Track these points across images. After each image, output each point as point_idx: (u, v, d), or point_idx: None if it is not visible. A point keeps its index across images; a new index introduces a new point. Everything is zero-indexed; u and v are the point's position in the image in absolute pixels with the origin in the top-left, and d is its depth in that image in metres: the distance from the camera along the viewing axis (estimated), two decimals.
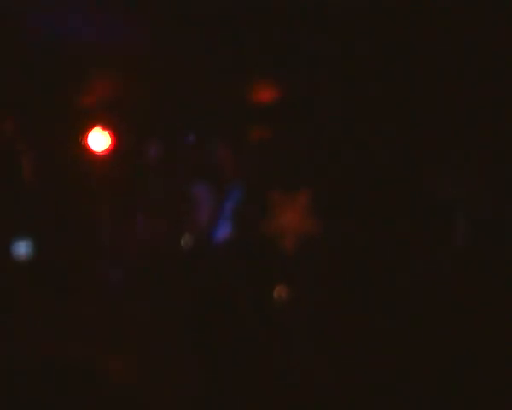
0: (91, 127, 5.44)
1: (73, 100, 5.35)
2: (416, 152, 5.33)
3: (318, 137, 5.40)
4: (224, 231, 5.54)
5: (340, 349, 4.91)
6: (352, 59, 5.07)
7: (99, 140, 5.48)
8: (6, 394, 4.39)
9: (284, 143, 5.49)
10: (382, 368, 4.78)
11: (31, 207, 5.38)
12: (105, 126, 5.46)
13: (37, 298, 5.09)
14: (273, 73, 5.32)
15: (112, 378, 4.69)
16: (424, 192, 5.32)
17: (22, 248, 5.33)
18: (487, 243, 5.14)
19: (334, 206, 5.33)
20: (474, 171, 5.25)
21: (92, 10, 4.86)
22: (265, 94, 5.53)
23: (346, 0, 4.80)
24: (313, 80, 5.26)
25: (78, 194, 5.45)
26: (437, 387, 4.69)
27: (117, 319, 5.08)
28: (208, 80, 5.29)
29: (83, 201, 5.45)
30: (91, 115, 5.42)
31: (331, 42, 5.03)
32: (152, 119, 5.50)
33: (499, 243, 5.10)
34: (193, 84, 5.31)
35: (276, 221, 5.46)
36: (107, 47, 5.05)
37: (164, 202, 5.60)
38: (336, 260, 5.26)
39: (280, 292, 5.34)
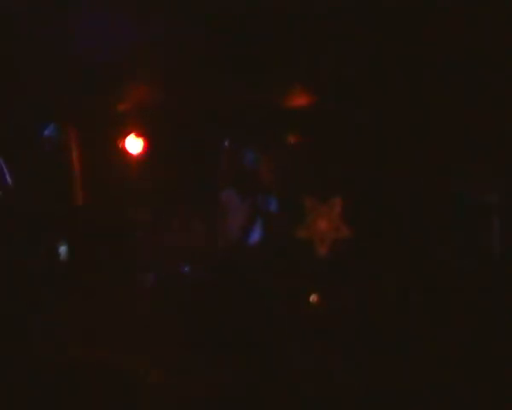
0: (129, 132, 5.50)
1: (111, 105, 5.40)
2: (452, 157, 5.27)
3: (353, 143, 5.37)
4: (257, 237, 5.55)
5: (373, 353, 4.86)
6: (386, 64, 5.04)
7: (136, 144, 5.54)
8: (35, 393, 4.43)
9: (318, 149, 5.48)
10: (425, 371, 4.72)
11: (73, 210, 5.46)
12: (142, 131, 5.52)
13: (70, 299, 5.14)
14: (307, 79, 5.31)
15: (142, 380, 4.71)
16: (460, 197, 5.26)
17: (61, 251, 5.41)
18: None
19: (367, 212, 5.29)
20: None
21: (131, 19, 4.90)
22: (300, 100, 5.52)
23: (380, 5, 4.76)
24: (348, 86, 5.23)
25: (114, 197, 5.51)
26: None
27: (149, 321, 5.10)
28: (243, 86, 5.30)
29: (119, 204, 5.51)
30: (128, 120, 5.48)
31: (367, 48, 5.00)
32: (188, 124, 5.52)
33: None
34: (228, 89, 5.32)
35: (311, 227, 5.44)
36: (145, 54, 5.08)
37: (198, 207, 5.62)
38: (370, 267, 5.22)
39: (314, 298, 5.32)
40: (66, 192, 5.48)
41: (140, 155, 5.56)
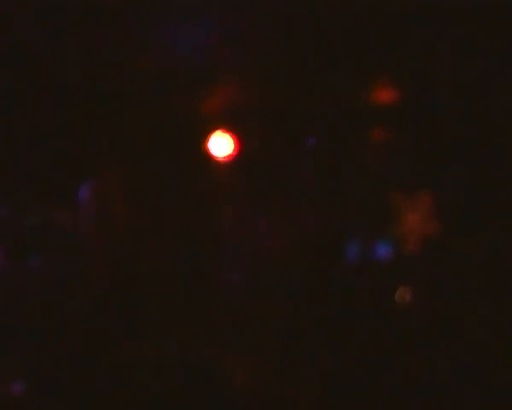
0: (213, 132, 5.54)
1: (196, 105, 5.45)
2: None
3: (440, 136, 5.26)
4: (343, 235, 5.51)
5: (463, 353, 4.75)
6: (471, 58, 4.91)
7: (221, 145, 5.57)
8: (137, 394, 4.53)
9: (406, 143, 5.39)
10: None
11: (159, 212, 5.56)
12: (227, 131, 5.55)
13: (162, 299, 5.24)
14: (394, 72, 5.24)
15: (235, 379, 4.74)
16: None
17: None
18: None
19: (456, 207, 5.17)
20: None
21: (216, 18, 4.95)
22: (386, 94, 5.45)
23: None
24: (434, 79, 5.13)
25: (201, 198, 5.56)
26: None
27: (240, 320, 5.14)
28: (328, 82, 5.27)
29: (206, 205, 5.57)
30: (213, 120, 5.52)
31: (451, 42, 4.89)
32: (274, 122, 5.53)
33: None
34: (313, 85, 5.30)
35: (398, 224, 5.36)
36: (230, 52, 5.12)
37: (287, 206, 5.62)
38: (459, 263, 5.09)
39: (402, 295, 5.24)
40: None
41: (228, 155, 5.59)
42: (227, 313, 5.23)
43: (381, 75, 5.28)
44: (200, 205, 5.54)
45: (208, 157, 5.55)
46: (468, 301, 4.97)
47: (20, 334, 5.02)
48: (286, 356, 4.95)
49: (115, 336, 4.99)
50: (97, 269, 5.36)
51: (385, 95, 5.47)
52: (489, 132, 5.14)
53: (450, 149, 5.24)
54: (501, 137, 5.12)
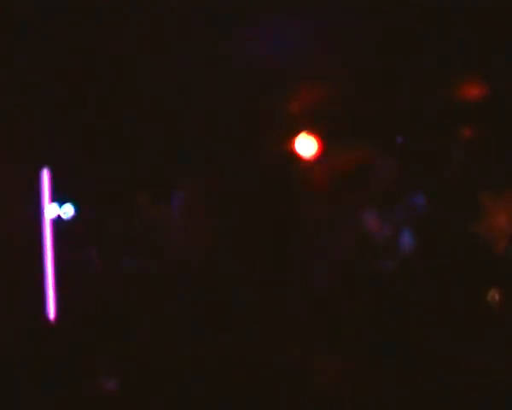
0: (299, 133, 5.56)
1: (282, 107, 5.48)
2: None
3: None
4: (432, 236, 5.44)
5: None
6: None
7: (307, 146, 5.59)
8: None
9: (494, 141, 5.27)
10: None
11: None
12: (312, 132, 5.57)
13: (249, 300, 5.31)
14: (482, 70, 5.13)
15: (319, 379, 4.74)
16: None
17: None
18: None
19: None
20: None
21: (300, 19, 4.95)
22: (474, 91, 5.35)
23: None
24: None
25: (287, 198, 5.60)
26: None
27: (324, 320, 5.15)
28: (415, 80, 5.20)
29: (292, 205, 5.60)
30: (299, 122, 5.54)
31: None
32: (359, 122, 5.50)
33: None
34: (400, 85, 5.24)
35: (488, 223, 5.25)
36: (315, 53, 5.11)
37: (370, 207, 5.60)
38: None
39: (494, 295, 5.13)
40: None
41: (314, 155, 5.60)
42: (311, 313, 5.24)
43: (470, 73, 5.16)
44: (286, 205, 5.57)
45: (294, 158, 5.58)
46: None
47: (113, 332, 5.15)
48: (368, 356, 4.92)
49: (208, 334, 5.08)
50: (186, 270, 5.46)
51: (474, 92, 5.35)
52: None
53: None
54: None
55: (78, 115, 5.43)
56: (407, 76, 5.16)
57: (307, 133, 5.58)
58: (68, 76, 5.12)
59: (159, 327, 5.19)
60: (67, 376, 4.64)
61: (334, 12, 4.77)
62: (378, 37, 4.90)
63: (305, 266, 5.53)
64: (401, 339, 4.96)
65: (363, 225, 5.57)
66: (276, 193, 5.55)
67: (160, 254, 5.56)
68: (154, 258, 5.55)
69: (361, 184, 5.57)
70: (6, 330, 4.89)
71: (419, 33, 4.83)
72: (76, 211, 5.65)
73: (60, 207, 5.62)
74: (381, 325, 5.04)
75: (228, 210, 5.58)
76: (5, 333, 4.87)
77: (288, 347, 4.86)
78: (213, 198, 5.63)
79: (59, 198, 5.61)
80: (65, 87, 5.22)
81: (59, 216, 5.60)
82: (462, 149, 5.41)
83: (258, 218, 5.52)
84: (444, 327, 4.96)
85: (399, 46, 4.94)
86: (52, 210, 5.58)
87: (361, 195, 5.57)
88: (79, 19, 4.67)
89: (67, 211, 5.64)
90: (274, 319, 5.13)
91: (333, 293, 5.36)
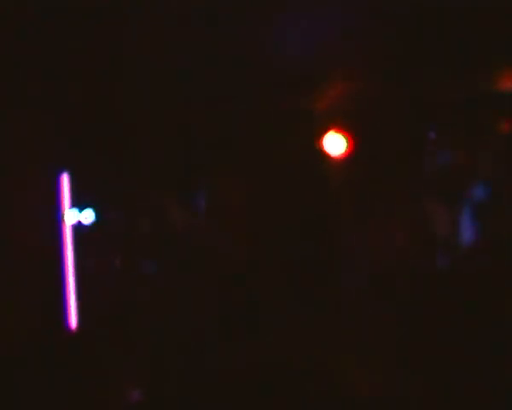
0: (328, 131, 5.43)
1: (310, 105, 5.36)
2: None
3: None
4: (473, 235, 5.23)
5: None
6: None
7: (336, 144, 5.45)
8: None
9: None
10: None
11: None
12: (342, 130, 5.42)
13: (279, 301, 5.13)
14: None
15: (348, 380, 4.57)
16: None
17: None
18: None
19: None
20: None
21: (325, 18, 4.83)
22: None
23: None
24: None
25: (315, 198, 5.45)
26: None
27: (353, 322, 4.99)
28: (448, 74, 5.04)
29: (320, 204, 5.44)
30: (328, 119, 5.41)
31: None
32: (391, 120, 5.35)
33: None
34: (432, 79, 5.10)
35: None
36: (341, 52, 5.00)
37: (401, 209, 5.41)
38: None
39: None
40: None
41: (342, 153, 5.46)
42: (341, 314, 5.10)
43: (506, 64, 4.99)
44: (316, 204, 5.44)
45: (323, 156, 5.44)
46: None
47: (139, 339, 5.01)
48: (397, 359, 4.72)
49: (236, 338, 4.92)
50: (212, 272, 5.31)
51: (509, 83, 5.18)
52: None
53: None
54: None
55: (98, 118, 5.33)
56: (435, 72, 5.03)
57: (336, 131, 5.43)
58: (87, 79, 5.02)
59: (184, 334, 5.02)
60: (91, 385, 4.51)
61: (362, 11, 4.62)
62: (406, 35, 4.77)
63: (337, 266, 5.37)
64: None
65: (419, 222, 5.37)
66: (313, 192, 5.44)
67: (187, 256, 5.41)
68: (180, 261, 5.41)
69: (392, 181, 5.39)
70: (24, 337, 4.76)
71: (448, 32, 4.69)
72: (97, 216, 5.50)
73: (80, 212, 5.47)
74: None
75: (258, 211, 5.45)
76: (22, 340, 4.73)
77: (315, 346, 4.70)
78: (242, 199, 5.48)
79: (79, 203, 5.46)
80: (85, 90, 5.12)
81: (79, 222, 5.46)
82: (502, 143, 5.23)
83: (295, 215, 5.42)
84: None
85: (427, 44, 4.83)
86: (72, 216, 5.43)
87: (392, 191, 5.39)
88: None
89: (88, 216, 5.49)
90: (301, 319, 4.97)
91: (376, 295, 5.19)
